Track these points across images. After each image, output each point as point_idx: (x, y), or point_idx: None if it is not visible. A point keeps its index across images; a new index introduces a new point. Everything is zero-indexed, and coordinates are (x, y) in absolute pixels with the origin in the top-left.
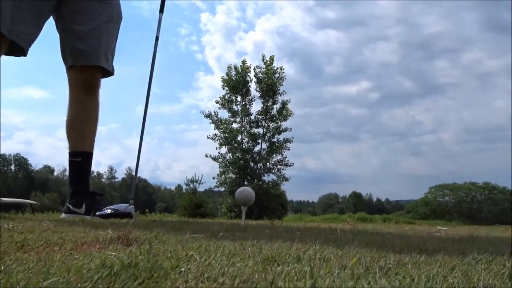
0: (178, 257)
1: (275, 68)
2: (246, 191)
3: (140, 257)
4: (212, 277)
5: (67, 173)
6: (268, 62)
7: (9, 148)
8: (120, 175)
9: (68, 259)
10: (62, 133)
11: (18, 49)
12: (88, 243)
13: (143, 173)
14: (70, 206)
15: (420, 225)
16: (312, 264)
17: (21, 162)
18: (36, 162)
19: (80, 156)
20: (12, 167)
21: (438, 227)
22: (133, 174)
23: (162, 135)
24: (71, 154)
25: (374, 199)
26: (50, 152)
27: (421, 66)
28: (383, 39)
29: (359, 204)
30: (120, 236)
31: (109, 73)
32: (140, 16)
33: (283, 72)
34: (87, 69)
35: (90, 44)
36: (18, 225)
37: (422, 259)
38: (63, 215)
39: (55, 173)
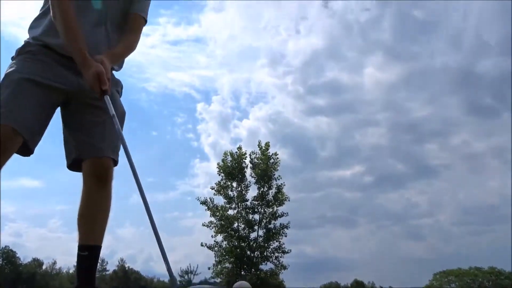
0: None
1: (270, 154)
2: (243, 285)
3: None
4: None
5: (56, 266)
6: (264, 148)
7: None
8: (111, 266)
9: None
10: (54, 223)
11: (26, 148)
12: None
13: (135, 264)
14: None
15: None
16: None
17: (9, 255)
18: (25, 255)
19: (87, 250)
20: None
21: None
22: (125, 266)
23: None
24: (79, 248)
25: (377, 287)
26: (40, 243)
27: (411, 149)
28: (372, 123)
29: None
30: None
31: (116, 163)
32: (138, 107)
33: (277, 158)
34: (100, 160)
35: (99, 138)
36: None
37: None
38: None
39: (44, 267)
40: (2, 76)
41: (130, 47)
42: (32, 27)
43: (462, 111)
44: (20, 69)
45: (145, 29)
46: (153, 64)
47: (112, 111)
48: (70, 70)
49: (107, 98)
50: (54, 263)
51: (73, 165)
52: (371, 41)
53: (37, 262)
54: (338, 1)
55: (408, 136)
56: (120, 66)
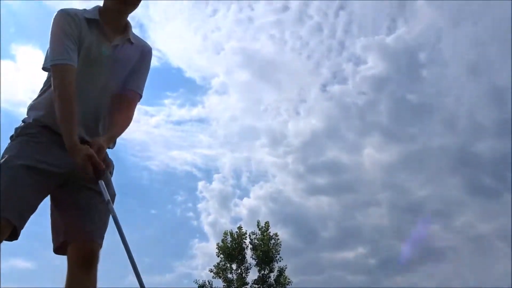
0: None
1: (270, 234)
2: None
3: None
4: None
5: None
6: (264, 228)
7: None
8: None
9: None
10: None
11: (13, 234)
12: None
13: None
14: None
15: None
16: None
17: None
18: None
19: None
20: None
21: None
22: None
23: None
24: None
25: None
26: None
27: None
28: (373, 203)
29: None
30: None
31: (100, 246)
32: (139, 186)
33: (278, 239)
34: (86, 245)
35: (89, 221)
36: None
37: None
38: None
39: None
40: (1, 157)
41: (125, 125)
42: (32, 107)
43: (463, 191)
44: (18, 153)
45: (150, 109)
46: (156, 143)
47: (107, 196)
48: (66, 149)
49: (102, 183)
50: None
51: (59, 248)
52: (368, 123)
53: None
54: (335, 85)
55: (410, 217)
56: (114, 144)
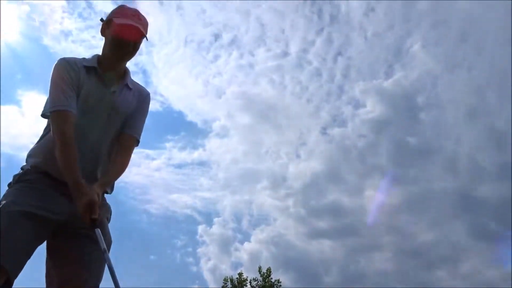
0: None
1: (272, 280)
2: None
3: None
4: None
5: None
6: (265, 274)
7: None
8: None
9: None
10: None
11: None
12: None
13: None
14: None
15: None
16: None
17: None
18: None
19: None
20: None
21: None
22: None
23: None
24: None
25: None
26: None
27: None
28: (377, 248)
29: None
30: None
31: None
32: (139, 230)
33: (280, 285)
34: None
35: (84, 269)
36: None
37: None
38: None
39: None
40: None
41: (121, 170)
42: (31, 154)
43: (468, 236)
44: (16, 200)
45: (151, 153)
46: (156, 186)
47: (103, 245)
48: (64, 196)
49: (98, 231)
50: None
51: None
52: (369, 165)
53: None
54: (335, 128)
55: (415, 262)
56: (112, 189)
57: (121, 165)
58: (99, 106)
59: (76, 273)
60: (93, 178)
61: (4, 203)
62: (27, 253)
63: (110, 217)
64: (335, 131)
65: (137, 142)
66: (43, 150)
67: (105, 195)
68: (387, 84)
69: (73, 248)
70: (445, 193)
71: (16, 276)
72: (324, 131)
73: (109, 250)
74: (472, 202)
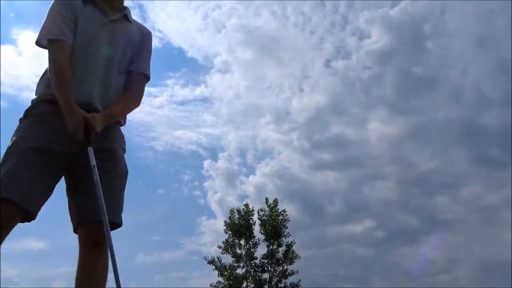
0: None
1: (279, 210)
2: None
3: None
4: None
5: None
6: (272, 205)
7: None
8: None
9: None
10: (57, 285)
11: (29, 215)
12: None
13: None
14: None
15: None
16: None
17: None
18: None
19: None
20: None
21: None
22: None
23: (162, 285)
24: None
25: None
26: None
27: (422, 203)
28: (380, 177)
29: None
30: None
31: (116, 225)
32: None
33: (286, 215)
34: (96, 225)
35: (107, 201)
36: None
37: None
38: None
39: None
40: (10, 140)
41: (131, 103)
42: (37, 87)
43: (470, 163)
44: (25, 136)
45: (153, 90)
46: (160, 124)
47: (93, 162)
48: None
49: (91, 150)
50: None
51: (77, 230)
52: (373, 97)
53: None
54: (339, 60)
55: (417, 190)
56: (124, 121)
57: (131, 98)
58: (100, 34)
59: (90, 206)
60: (106, 105)
61: (14, 140)
62: (42, 189)
63: (125, 148)
64: (339, 63)
65: (146, 78)
66: (45, 80)
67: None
68: (393, 12)
69: (86, 180)
70: (449, 122)
71: (33, 211)
72: (328, 63)
73: (125, 180)
74: (476, 130)
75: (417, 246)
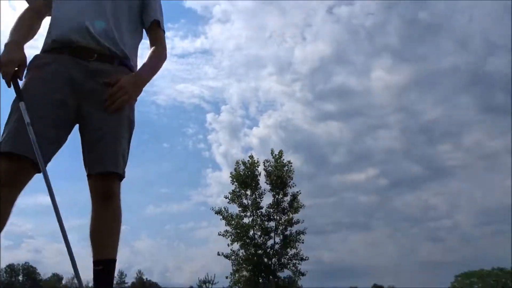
0: None
1: (284, 161)
2: None
3: None
4: None
5: (75, 281)
6: (277, 156)
7: (18, 257)
8: (130, 279)
9: None
10: (70, 238)
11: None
12: None
13: (153, 276)
14: None
15: None
16: None
17: (29, 271)
18: (45, 271)
19: (101, 264)
20: (20, 278)
21: None
22: (143, 277)
23: (172, 235)
24: (94, 263)
25: None
26: (59, 258)
27: (425, 151)
28: (383, 127)
29: None
30: None
31: (116, 174)
32: (148, 121)
33: (291, 166)
34: (102, 177)
35: (101, 152)
36: None
37: None
38: None
39: (64, 281)
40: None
41: (156, 59)
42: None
43: (474, 110)
44: (24, 89)
45: None
46: (161, 77)
47: (27, 119)
48: (79, 71)
49: (22, 105)
50: (73, 278)
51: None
52: (377, 45)
53: (57, 277)
54: (342, 7)
55: (421, 138)
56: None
57: (155, 55)
58: None
59: (94, 158)
60: (114, 42)
61: (15, 97)
62: (50, 139)
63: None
64: (342, 10)
65: (158, 26)
66: (47, 31)
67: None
68: None
69: (88, 132)
70: (454, 69)
71: (43, 161)
72: (330, 10)
73: (132, 129)
74: (481, 76)
75: (420, 192)
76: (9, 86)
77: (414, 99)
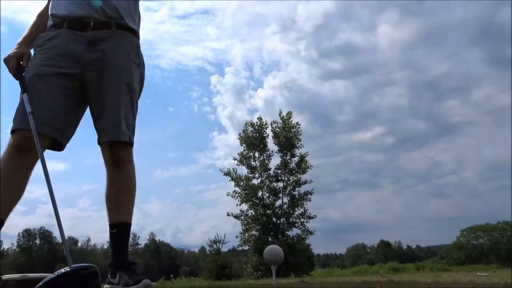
0: None
1: (292, 123)
2: (275, 250)
3: None
4: None
5: (90, 243)
6: (286, 117)
7: (33, 222)
8: (143, 241)
9: None
10: (83, 202)
11: (57, 144)
12: None
13: (165, 237)
14: (108, 277)
15: (457, 272)
16: None
17: (45, 235)
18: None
19: (116, 227)
20: (37, 241)
21: (478, 273)
22: (156, 238)
23: (181, 197)
24: (110, 226)
25: (404, 247)
26: (73, 222)
27: (432, 107)
28: (390, 84)
29: (388, 253)
30: None
31: (121, 142)
32: (153, 85)
33: (299, 127)
34: (109, 145)
35: (106, 120)
36: None
37: None
38: (105, 286)
39: (79, 244)
40: None
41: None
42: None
43: (483, 64)
44: (30, 66)
45: (152, 4)
46: (163, 40)
47: (29, 109)
48: (77, 43)
49: (25, 96)
50: (88, 240)
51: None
52: None
53: (72, 240)
54: None
55: (428, 94)
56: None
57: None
58: None
59: (102, 126)
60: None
61: (26, 70)
62: (63, 112)
63: (138, 61)
64: None
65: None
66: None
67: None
68: None
69: (93, 102)
70: (463, 22)
71: (63, 138)
72: None
73: (132, 97)
74: (491, 29)
75: (426, 150)
76: (17, 78)
77: (422, 54)
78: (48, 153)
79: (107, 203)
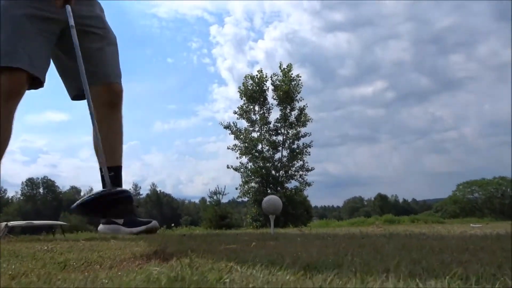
0: (219, 269)
1: (292, 75)
2: (273, 199)
3: (184, 271)
4: (258, 287)
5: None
6: (286, 70)
7: (35, 172)
8: (144, 191)
9: (113, 276)
10: (84, 153)
11: (37, 82)
12: (127, 260)
13: (166, 188)
14: (106, 220)
15: (451, 224)
16: (354, 268)
17: (49, 184)
18: (62, 184)
19: (113, 170)
20: (41, 190)
21: (471, 225)
22: (157, 190)
23: (182, 149)
24: (107, 170)
25: (400, 200)
26: (75, 172)
27: (435, 62)
28: (394, 37)
29: (385, 206)
30: (156, 251)
31: (118, 86)
32: (151, 34)
33: (299, 80)
34: (108, 88)
35: (102, 64)
36: (56, 246)
37: (466, 258)
38: (101, 226)
39: (82, 193)
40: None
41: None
42: None
43: (490, 17)
44: (19, 2)
45: None
46: None
47: (72, 22)
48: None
49: (68, 8)
50: (91, 189)
51: (79, 96)
52: None
53: (75, 189)
54: None
55: (432, 48)
56: None
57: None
58: None
59: (95, 70)
60: None
61: (3, 4)
62: (46, 55)
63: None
64: None
65: None
66: None
67: None
68: None
69: (83, 46)
70: None
71: (42, 78)
72: None
73: (116, 46)
74: None
75: (427, 105)
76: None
77: (427, 6)
78: (46, 103)
79: (102, 146)
